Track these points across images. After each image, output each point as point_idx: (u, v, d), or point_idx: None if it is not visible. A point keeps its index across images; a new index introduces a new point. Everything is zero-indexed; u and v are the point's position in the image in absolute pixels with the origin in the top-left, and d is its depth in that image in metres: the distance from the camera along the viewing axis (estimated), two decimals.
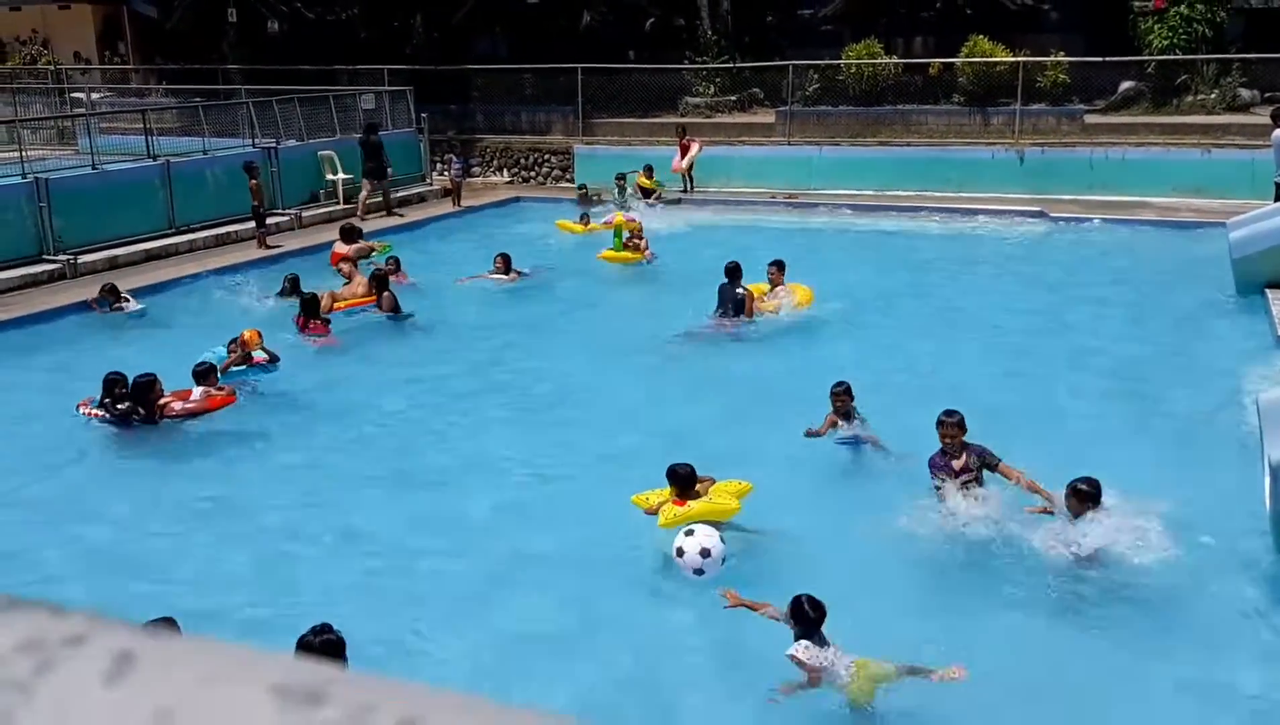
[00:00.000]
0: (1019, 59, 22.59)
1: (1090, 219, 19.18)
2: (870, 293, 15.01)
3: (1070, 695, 6.21)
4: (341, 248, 16.85)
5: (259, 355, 11.33)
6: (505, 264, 15.74)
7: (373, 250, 17.02)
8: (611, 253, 16.91)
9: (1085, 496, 7.22)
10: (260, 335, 11.42)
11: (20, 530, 8.35)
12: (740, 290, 13.32)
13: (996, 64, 22.84)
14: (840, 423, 9.31)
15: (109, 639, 0.56)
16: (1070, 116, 22.52)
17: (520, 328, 13.90)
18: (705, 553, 7.00)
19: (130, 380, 10.09)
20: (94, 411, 10.16)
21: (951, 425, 7.99)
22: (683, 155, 22.32)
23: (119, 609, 5.49)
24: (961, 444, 8.02)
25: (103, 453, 9.95)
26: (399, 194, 22.75)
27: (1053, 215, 19.55)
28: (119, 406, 10.05)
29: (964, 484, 7.91)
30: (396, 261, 15.75)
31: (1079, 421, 10.26)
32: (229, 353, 11.26)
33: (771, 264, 13.84)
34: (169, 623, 5.05)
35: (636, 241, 17.01)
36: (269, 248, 17.69)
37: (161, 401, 10.14)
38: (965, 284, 15.52)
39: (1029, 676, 6.33)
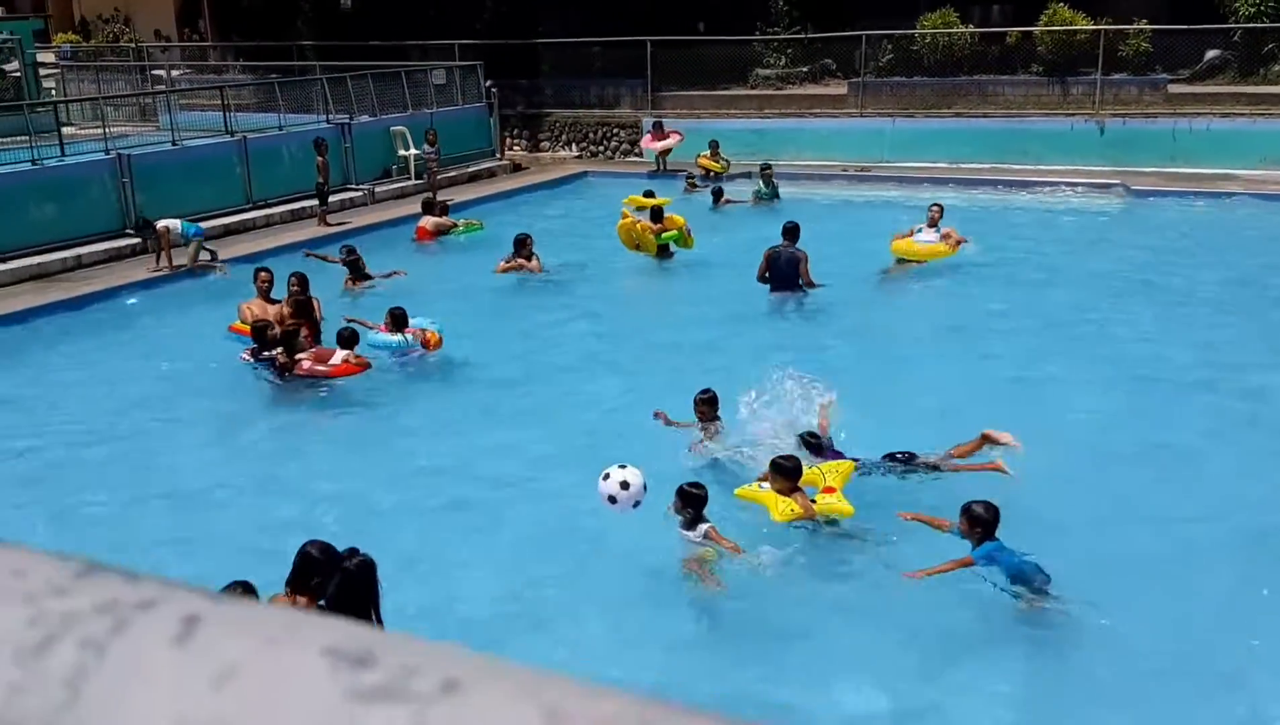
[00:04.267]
0: (1100, 27, 21.97)
1: (1173, 192, 18.65)
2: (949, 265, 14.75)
3: None
4: (426, 223, 17.06)
5: (415, 327, 11.31)
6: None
7: (455, 227, 17.17)
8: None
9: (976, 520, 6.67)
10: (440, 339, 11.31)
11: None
12: (794, 251, 13.05)
13: (1077, 33, 22.24)
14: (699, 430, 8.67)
15: (178, 604, 0.59)
16: (1153, 86, 21.88)
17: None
18: (625, 484, 6.90)
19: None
20: (251, 357, 10.77)
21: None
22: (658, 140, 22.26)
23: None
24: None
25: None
26: (469, 168, 22.93)
27: (1134, 188, 19.05)
28: (265, 355, 10.56)
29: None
30: (350, 250, 14.63)
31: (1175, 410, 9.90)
32: (385, 323, 11.35)
33: (934, 205, 14.90)
34: (246, 586, 5.19)
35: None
36: (330, 225, 17.91)
37: (307, 363, 10.49)
38: (1040, 260, 15.14)
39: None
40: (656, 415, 8.75)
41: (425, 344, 11.16)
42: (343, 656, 0.55)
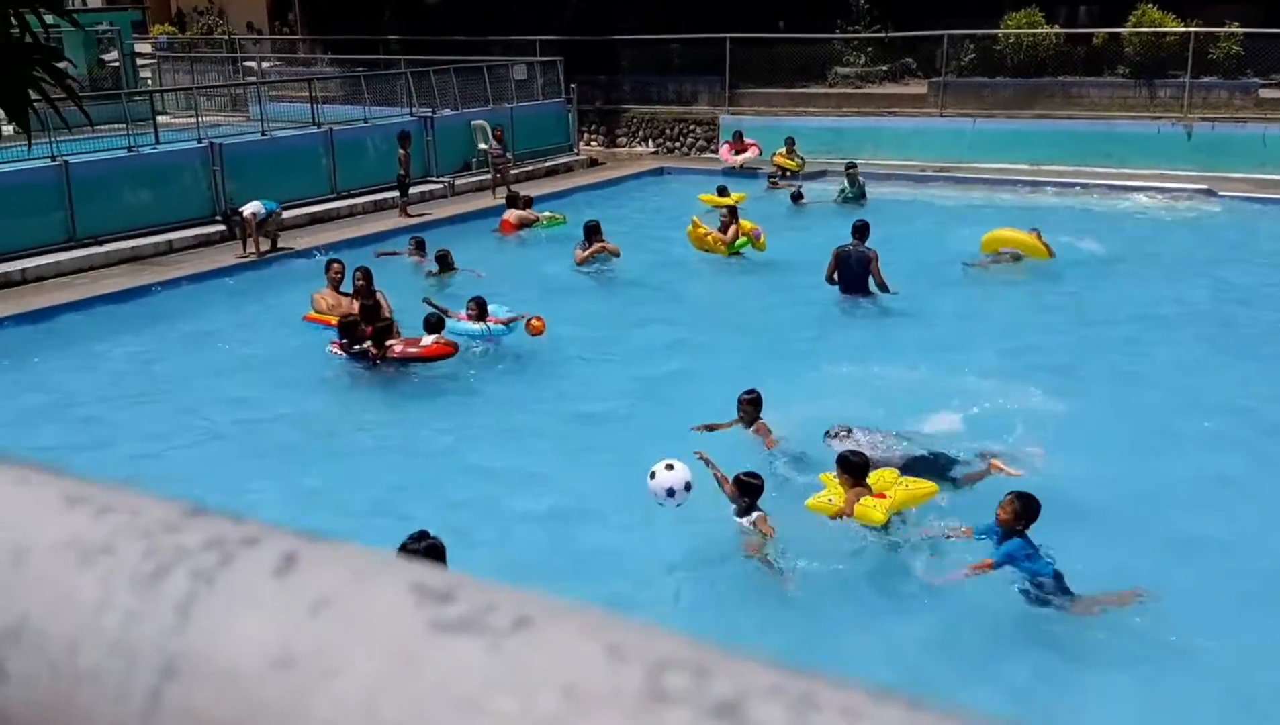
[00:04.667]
0: (1190, 29, 21.48)
1: (1261, 199, 18.20)
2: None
3: None
4: (511, 216, 17.36)
5: (495, 315, 11.64)
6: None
7: (538, 220, 17.44)
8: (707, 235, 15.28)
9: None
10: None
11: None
12: (865, 250, 12.87)
13: (1165, 34, 21.77)
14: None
15: (278, 542, 0.66)
16: (1244, 90, 21.33)
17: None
18: (670, 467, 7.15)
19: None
20: (338, 351, 11.06)
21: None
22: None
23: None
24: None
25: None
26: (546, 163, 23.22)
27: (1221, 194, 18.62)
28: (355, 348, 10.87)
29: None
30: (419, 242, 15.35)
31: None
32: (467, 313, 11.67)
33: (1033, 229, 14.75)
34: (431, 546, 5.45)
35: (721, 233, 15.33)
36: (410, 217, 18.30)
37: (399, 348, 10.84)
38: (1122, 265, 14.88)
39: None
40: (696, 431, 8.77)
41: (531, 329, 11.47)
42: (426, 592, 0.60)
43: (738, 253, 15.32)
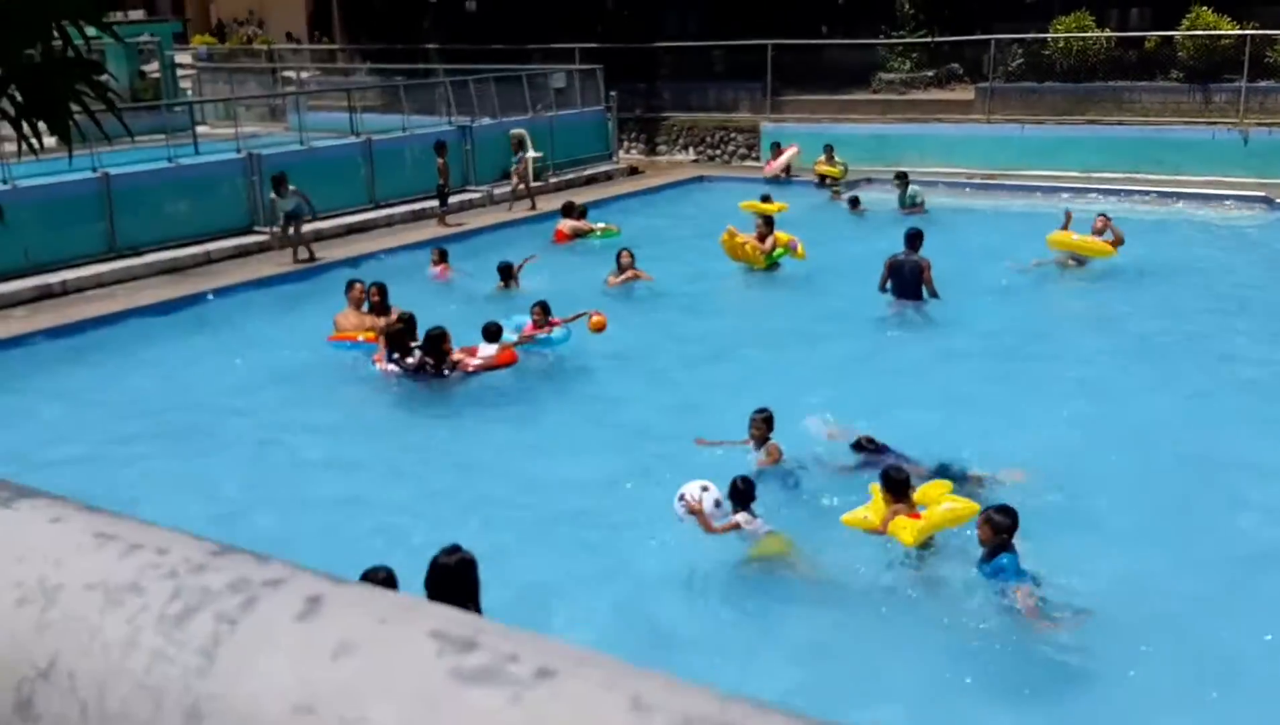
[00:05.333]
0: (1246, 32, 20.89)
1: None
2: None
3: None
4: (564, 226, 17.14)
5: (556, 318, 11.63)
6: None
7: (592, 230, 17.20)
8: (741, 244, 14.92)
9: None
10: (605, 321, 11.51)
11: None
12: (918, 259, 12.81)
13: (1221, 38, 21.19)
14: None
15: (302, 584, 0.65)
16: None
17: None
18: (704, 488, 7.19)
19: (421, 333, 10.77)
20: (389, 366, 10.79)
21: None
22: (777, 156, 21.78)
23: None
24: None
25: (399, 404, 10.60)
26: (586, 172, 22.98)
27: (1279, 201, 18.05)
28: (408, 360, 10.65)
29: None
30: (442, 253, 15.14)
31: None
32: (532, 317, 11.57)
33: (1100, 215, 14.79)
34: (387, 574, 5.27)
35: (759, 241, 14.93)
36: (449, 226, 18.13)
37: (454, 356, 10.69)
38: (1176, 275, 14.41)
39: None
40: (699, 443, 8.63)
41: (593, 326, 11.39)
42: (449, 639, 0.59)
43: (775, 264, 14.97)
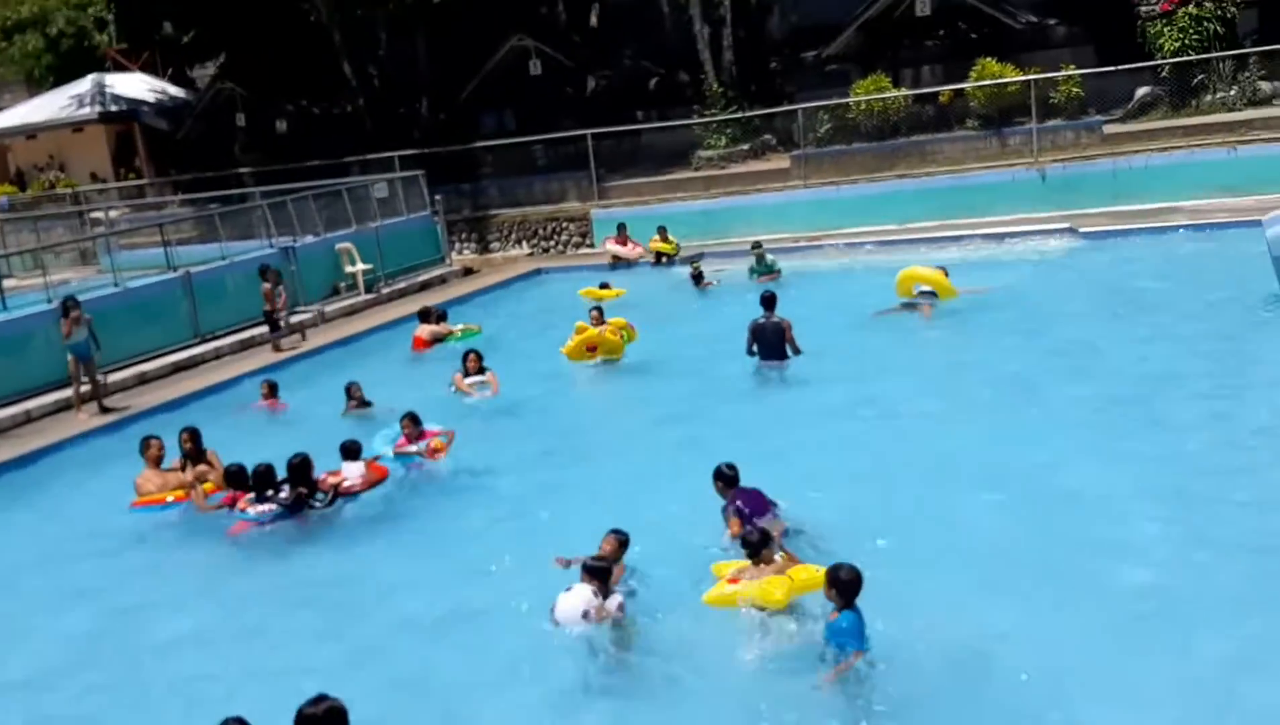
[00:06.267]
0: (1029, 77, 22.30)
1: (1120, 231, 18.72)
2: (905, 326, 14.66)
3: None
4: (423, 332, 16.67)
5: (431, 428, 11.26)
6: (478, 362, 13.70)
7: (451, 333, 16.81)
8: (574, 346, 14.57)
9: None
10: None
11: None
12: (779, 320, 13.35)
13: (1007, 84, 22.55)
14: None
15: None
16: (1089, 129, 22.16)
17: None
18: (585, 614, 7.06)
19: (278, 467, 10.05)
20: (257, 507, 9.92)
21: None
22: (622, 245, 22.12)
23: None
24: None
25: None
26: (420, 278, 22.68)
27: (1082, 230, 19.12)
28: (282, 496, 9.87)
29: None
30: (272, 386, 14.35)
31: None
32: (403, 430, 11.14)
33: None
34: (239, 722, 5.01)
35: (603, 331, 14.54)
36: (281, 352, 17.54)
37: (332, 482, 10.07)
38: (1001, 313, 15.03)
39: None
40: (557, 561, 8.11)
41: (431, 453, 11.01)
42: None
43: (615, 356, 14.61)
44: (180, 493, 10.61)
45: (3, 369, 15.47)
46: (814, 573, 7.11)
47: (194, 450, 11.09)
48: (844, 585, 6.49)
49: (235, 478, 10.37)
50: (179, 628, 8.42)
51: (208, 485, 10.72)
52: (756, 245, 19.51)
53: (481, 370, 13.69)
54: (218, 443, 11.50)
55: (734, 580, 7.32)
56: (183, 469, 11.07)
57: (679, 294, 19.07)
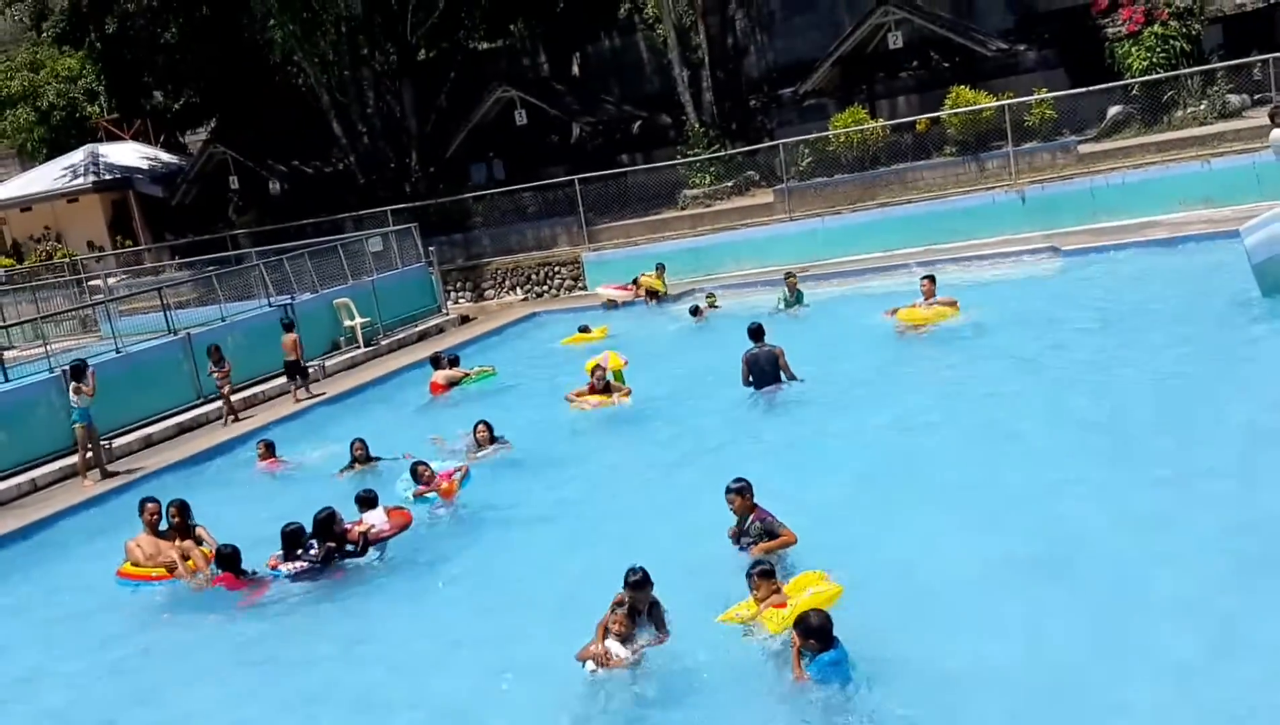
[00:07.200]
0: (1003, 101, 22.78)
1: (1102, 247, 19.08)
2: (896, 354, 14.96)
3: None
4: (438, 377, 16.97)
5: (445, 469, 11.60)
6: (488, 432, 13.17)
7: (466, 376, 17.11)
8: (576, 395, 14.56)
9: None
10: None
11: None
12: (770, 348, 13.72)
13: (982, 110, 23.03)
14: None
15: None
16: (1064, 149, 22.60)
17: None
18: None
19: (308, 524, 10.06)
20: (291, 565, 9.90)
21: (734, 493, 8.77)
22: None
23: None
24: (748, 509, 8.75)
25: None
26: (417, 328, 23.01)
27: (1064, 249, 19.47)
28: (313, 552, 9.89)
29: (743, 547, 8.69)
30: (269, 445, 14.41)
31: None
32: (416, 477, 11.47)
33: (924, 278, 16.07)
34: None
35: (603, 380, 14.40)
36: (299, 401, 18.06)
37: (360, 530, 10.18)
38: (991, 336, 15.32)
39: None
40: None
41: (445, 493, 11.30)
42: None
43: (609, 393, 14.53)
44: (163, 571, 10.40)
45: (6, 440, 15.69)
46: (816, 596, 7.37)
47: (182, 524, 10.82)
48: (817, 632, 6.70)
49: (228, 560, 10.09)
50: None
51: (190, 563, 10.44)
52: (790, 275, 19.16)
53: (494, 440, 13.10)
54: (218, 505, 11.65)
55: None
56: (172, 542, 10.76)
57: (674, 328, 19.40)
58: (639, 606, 7.55)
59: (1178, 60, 22.34)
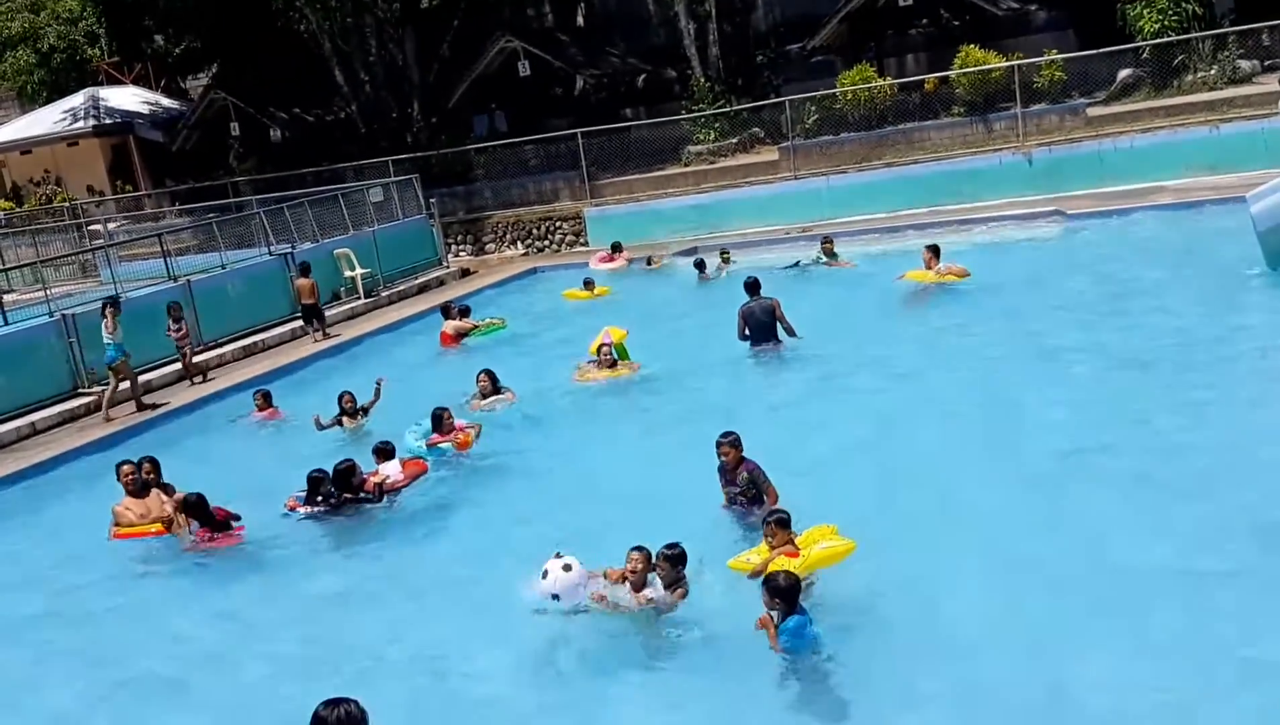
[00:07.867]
0: (1012, 62, 22.55)
1: (1107, 211, 18.98)
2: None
3: None
4: (448, 327, 16.94)
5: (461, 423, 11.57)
6: (490, 382, 12.99)
7: (475, 327, 17.06)
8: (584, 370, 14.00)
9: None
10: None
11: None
12: (767, 300, 13.58)
13: (991, 70, 22.81)
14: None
15: None
16: (1073, 112, 22.41)
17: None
18: (566, 568, 7.39)
19: (330, 472, 10.19)
20: (309, 508, 10.18)
21: (726, 445, 8.79)
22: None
23: None
24: (737, 461, 8.77)
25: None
26: (418, 280, 22.94)
27: (1070, 212, 19.38)
28: (332, 500, 10.12)
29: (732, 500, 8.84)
30: (266, 395, 14.27)
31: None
32: (439, 428, 11.40)
33: (926, 247, 15.74)
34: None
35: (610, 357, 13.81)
36: (318, 341, 18.57)
37: (375, 481, 10.31)
38: (996, 298, 15.25)
39: None
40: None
41: (460, 445, 11.27)
42: None
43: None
44: (160, 527, 10.22)
45: (7, 383, 15.67)
46: (829, 549, 7.40)
47: (157, 480, 10.65)
48: (784, 592, 6.60)
49: (194, 508, 9.98)
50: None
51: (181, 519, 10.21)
52: (827, 239, 18.78)
53: (497, 390, 12.98)
54: (222, 454, 11.66)
55: (758, 572, 7.40)
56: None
57: (673, 290, 19.34)
58: (664, 578, 7.47)
59: (1189, 24, 22.09)
